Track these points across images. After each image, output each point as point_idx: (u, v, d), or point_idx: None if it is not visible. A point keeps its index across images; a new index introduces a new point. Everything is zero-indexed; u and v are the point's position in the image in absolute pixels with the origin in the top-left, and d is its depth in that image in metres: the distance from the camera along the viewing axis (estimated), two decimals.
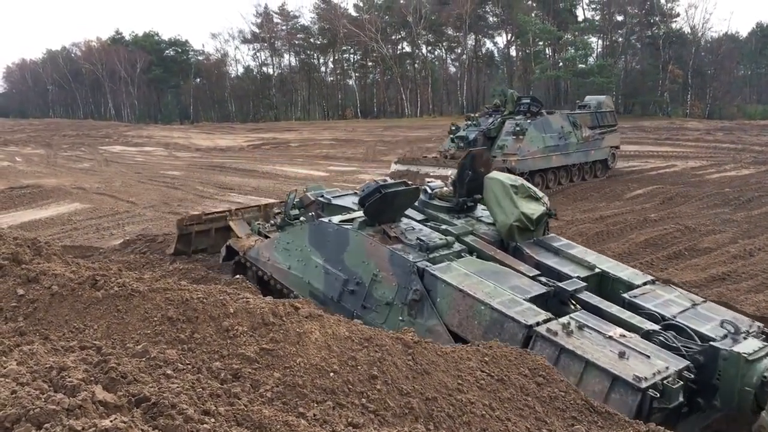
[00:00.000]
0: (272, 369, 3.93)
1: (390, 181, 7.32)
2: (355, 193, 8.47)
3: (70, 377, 3.05)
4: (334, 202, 8.23)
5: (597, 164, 22.13)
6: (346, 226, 6.85)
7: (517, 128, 19.11)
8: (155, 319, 4.33)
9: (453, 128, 20.63)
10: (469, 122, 20.62)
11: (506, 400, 4.25)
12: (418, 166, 19.06)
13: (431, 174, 18.32)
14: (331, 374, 3.98)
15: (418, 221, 7.22)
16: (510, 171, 18.00)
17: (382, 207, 6.68)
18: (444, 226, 7.07)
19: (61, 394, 2.81)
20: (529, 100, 20.66)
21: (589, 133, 21.20)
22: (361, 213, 6.99)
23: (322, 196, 8.48)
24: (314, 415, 3.53)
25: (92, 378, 3.21)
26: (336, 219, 7.13)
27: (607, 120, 22.69)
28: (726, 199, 17.23)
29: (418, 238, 6.43)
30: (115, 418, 2.59)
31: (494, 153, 18.49)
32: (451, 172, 18.61)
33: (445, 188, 7.93)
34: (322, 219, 7.31)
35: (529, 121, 19.51)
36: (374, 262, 6.40)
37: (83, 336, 4.22)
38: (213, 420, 3.03)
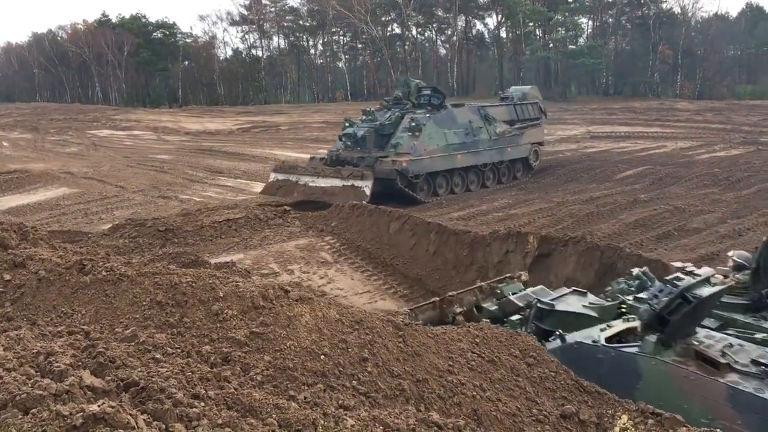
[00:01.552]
0: (262, 352, 3.91)
1: (692, 279, 4.95)
2: (575, 290, 6.54)
3: (57, 362, 3.03)
4: (560, 307, 6.03)
5: (516, 164, 19.60)
6: (629, 351, 4.89)
7: (413, 124, 16.73)
8: (144, 303, 4.29)
9: (346, 124, 18.02)
10: (365, 116, 17.94)
11: (497, 381, 4.26)
12: (297, 175, 16.73)
13: (310, 184, 16.10)
14: (322, 357, 3.97)
15: (714, 329, 5.27)
16: (401, 174, 15.70)
17: (690, 319, 4.80)
18: (760, 335, 5.14)
19: (48, 379, 2.78)
20: (429, 91, 18.39)
21: (504, 128, 18.90)
22: (620, 324, 5.33)
23: (539, 300, 6.17)
24: (305, 398, 3.52)
25: (80, 363, 3.19)
26: (599, 336, 5.16)
27: (529, 113, 20.27)
28: (715, 179, 17.34)
29: (756, 362, 4.51)
30: (103, 403, 2.56)
31: (387, 152, 16.44)
32: (330, 183, 15.43)
33: (718, 275, 5.91)
34: (580, 340, 5.26)
35: (428, 115, 17.17)
36: (700, 405, 4.43)
37: (71, 321, 4.19)
38: (203, 404, 3.02)
